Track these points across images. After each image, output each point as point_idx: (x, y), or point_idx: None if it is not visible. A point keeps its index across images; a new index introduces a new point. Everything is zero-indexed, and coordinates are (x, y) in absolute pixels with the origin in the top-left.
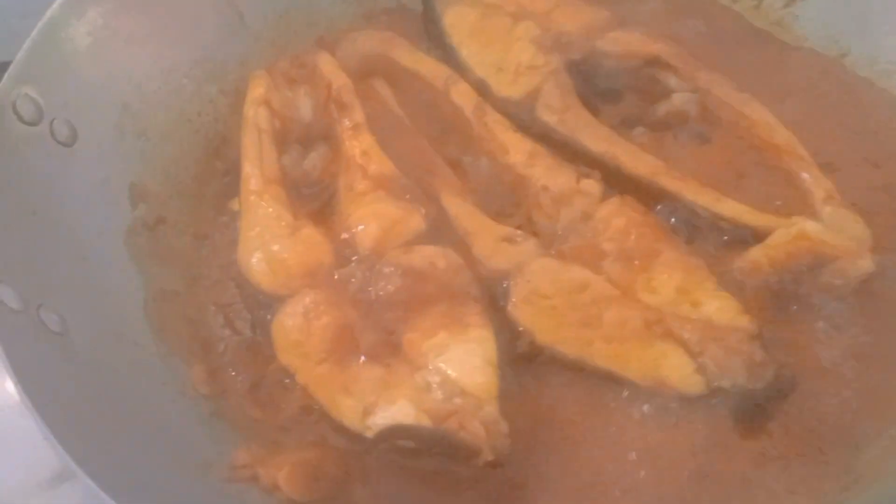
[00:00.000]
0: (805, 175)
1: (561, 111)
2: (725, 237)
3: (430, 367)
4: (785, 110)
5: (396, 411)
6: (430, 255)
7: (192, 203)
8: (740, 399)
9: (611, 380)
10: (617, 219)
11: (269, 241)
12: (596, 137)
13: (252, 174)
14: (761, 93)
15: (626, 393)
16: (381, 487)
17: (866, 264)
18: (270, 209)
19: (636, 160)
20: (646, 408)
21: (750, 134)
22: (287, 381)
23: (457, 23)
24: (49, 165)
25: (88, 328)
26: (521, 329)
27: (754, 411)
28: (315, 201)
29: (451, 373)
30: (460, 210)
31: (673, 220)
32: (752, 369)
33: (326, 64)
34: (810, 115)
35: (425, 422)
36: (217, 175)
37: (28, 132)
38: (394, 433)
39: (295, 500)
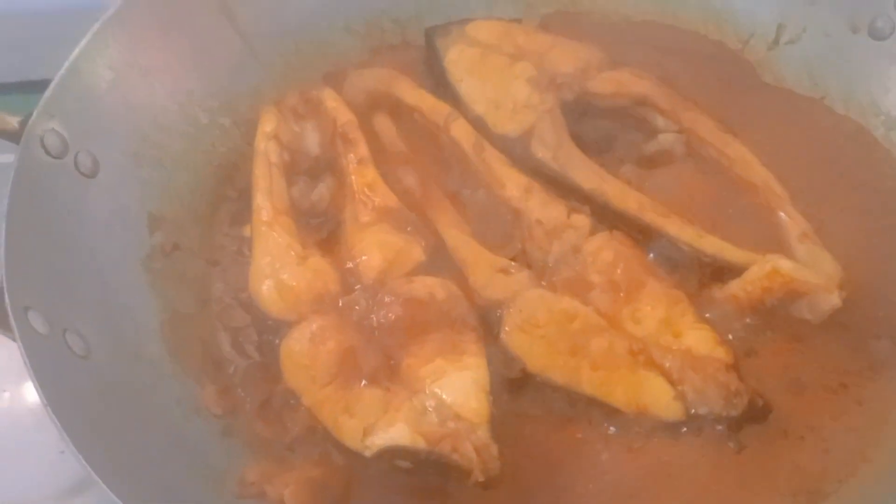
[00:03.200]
0: (781, 213)
1: (554, 148)
2: (705, 271)
3: (427, 392)
4: (765, 148)
5: (394, 433)
6: (430, 286)
7: (204, 229)
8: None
9: (597, 406)
10: (605, 252)
11: (279, 270)
12: (586, 174)
13: (263, 206)
14: (745, 131)
15: (611, 419)
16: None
17: (834, 300)
18: (280, 239)
19: (624, 196)
20: (631, 434)
21: (730, 172)
22: (293, 401)
23: (457, 61)
24: (73, 195)
25: (109, 350)
26: (513, 356)
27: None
28: (321, 231)
29: (446, 397)
30: (458, 241)
31: (657, 254)
32: (728, 398)
33: (331, 100)
34: (789, 154)
35: (420, 443)
36: (229, 202)
37: (54, 165)
38: (391, 453)
39: None
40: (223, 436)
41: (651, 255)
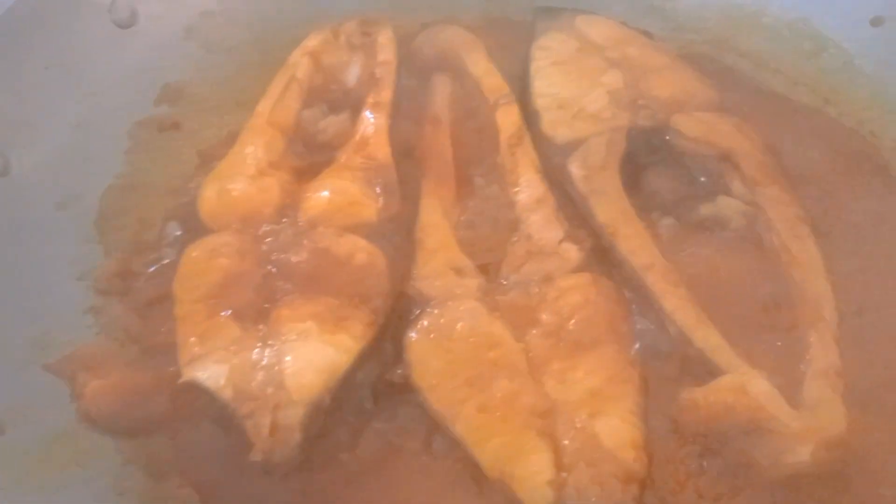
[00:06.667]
0: (815, 338)
1: (593, 170)
2: (684, 364)
3: (275, 348)
4: (853, 255)
5: (210, 370)
6: (357, 248)
7: (214, 120)
8: None
9: (459, 454)
10: (574, 294)
11: (233, 176)
12: (609, 206)
13: (262, 112)
14: (840, 226)
15: (467, 474)
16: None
17: (801, 454)
18: (256, 149)
19: (635, 245)
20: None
21: (784, 271)
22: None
23: (547, 48)
24: (98, 41)
25: (39, 174)
26: (403, 360)
27: None
28: (308, 161)
29: (287, 361)
30: (432, 220)
31: (640, 323)
32: None
33: (384, 37)
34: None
35: (225, 394)
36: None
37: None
38: (195, 388)
39: (90, 415)
40: (88, 311)
41: (634, 321)
